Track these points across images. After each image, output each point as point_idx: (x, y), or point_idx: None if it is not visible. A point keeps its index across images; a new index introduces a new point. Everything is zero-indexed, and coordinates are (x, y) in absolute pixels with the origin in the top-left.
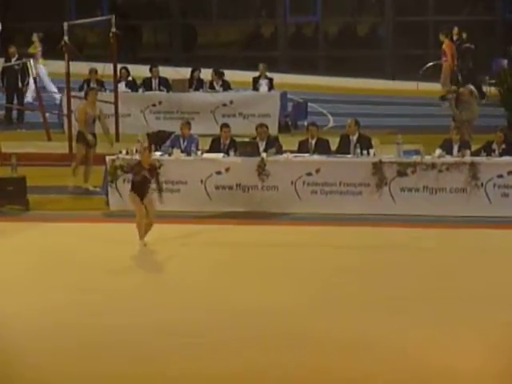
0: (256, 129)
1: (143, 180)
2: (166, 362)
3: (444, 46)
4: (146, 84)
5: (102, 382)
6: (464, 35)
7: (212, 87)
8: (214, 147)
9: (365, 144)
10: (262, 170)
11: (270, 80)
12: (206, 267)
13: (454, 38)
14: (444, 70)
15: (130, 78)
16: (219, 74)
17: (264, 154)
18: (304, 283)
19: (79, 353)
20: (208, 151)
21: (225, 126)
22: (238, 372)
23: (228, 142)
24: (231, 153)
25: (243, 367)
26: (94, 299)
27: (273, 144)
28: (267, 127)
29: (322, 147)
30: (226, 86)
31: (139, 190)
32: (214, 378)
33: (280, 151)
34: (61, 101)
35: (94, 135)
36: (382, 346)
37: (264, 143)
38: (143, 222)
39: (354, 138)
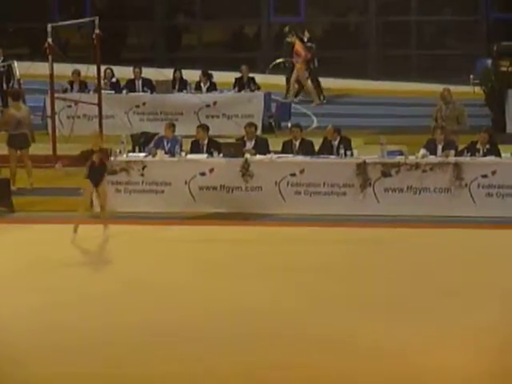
0: (244, 128)
1: (97, 162)
2: (154, 361)
3: (297, 47)
4: (130, 85)
5: (90, 381)
6: (307, 34)
7: (199, 88)
8: (194, 149)
9: (346, 146)
10: (245, 170)
11: (253, 79)
12: (192, 268)
13: (304, 37)
14: (298, 70)
15: (114, 79)
16: (207, 76)
17: (248, 155)
18: (289, 283)
19: (66, 353)
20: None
21: (199, 126)
22: (226, 371)
23: (206, 142)
24: (215, 153)
25: (231, 366)
26: (80, 300)
27: (261, 145)
28: (256, 127)
29: (306, 148)
30: (213, 88)
31: (94, 173)
32: (202, 377)
33: (265, 153)
34: (44, 102)
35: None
36: (369, 344)
37: (252, 143)
38: (83, 213)
39: (336, 142)
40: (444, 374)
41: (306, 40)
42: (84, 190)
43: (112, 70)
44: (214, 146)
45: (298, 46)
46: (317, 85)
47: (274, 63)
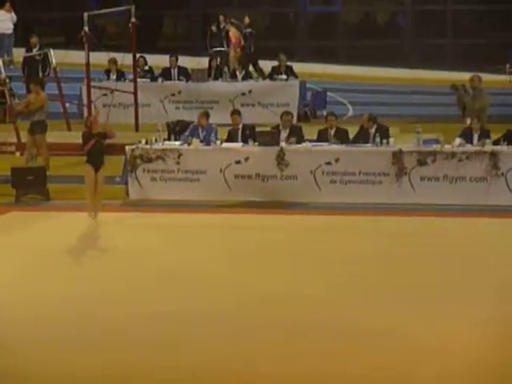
0: (281, 116)
1: (96, 145)
2: (191, 350)
3: (230, 34)
4: (165, 74)
5: (121, 370)
6: (247, 20)
7: (234, 76)
8: (230, 136)
9: (383, 134)
10: (281, 159)
11: (291, 68)
12: (227, 256)
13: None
14: (231, 57)
15: (146, 68)
16: (243, 64)
17: (283, 143)
18: (325, 272)
19: (100, 342)
20: (226, 141)
21: (232, 112)
22: (259, 359)
23: (241, 126)
24: (250, 142)
25: (265, 355)
26: (115, 288)
27: (295, 133)
28: (292, 116)
29: (342, 136)
30: (248, 76)
31: (93, 157)
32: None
33: (300, 141)
34: (80, 91)
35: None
36: (404, 335)
37: (287, 131)
38: (93, 198)
39: (373, 130)
40: (482, 367)
41: (245, 26)
42: (85, 176)
43: (145, 59)
44: (248, 130)
45: (232, 34)
46: (258, 69)
47: (212, 51)
